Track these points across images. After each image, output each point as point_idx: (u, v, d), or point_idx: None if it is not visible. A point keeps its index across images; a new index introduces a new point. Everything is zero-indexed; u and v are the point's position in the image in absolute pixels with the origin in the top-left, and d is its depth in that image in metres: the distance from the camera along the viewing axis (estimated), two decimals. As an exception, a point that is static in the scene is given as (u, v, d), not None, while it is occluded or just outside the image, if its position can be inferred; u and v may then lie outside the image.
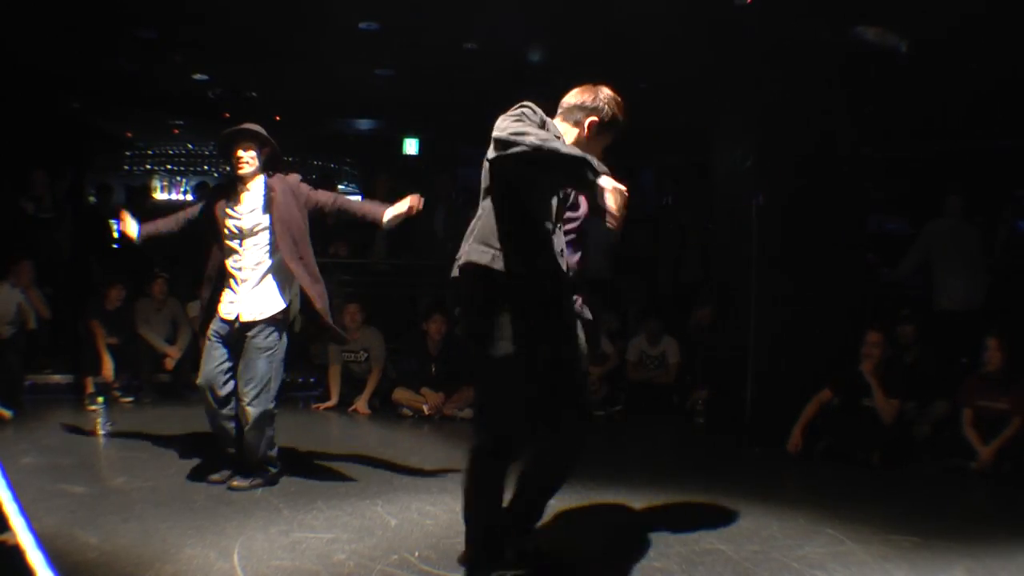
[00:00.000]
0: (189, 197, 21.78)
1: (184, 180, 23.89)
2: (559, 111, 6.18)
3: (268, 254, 8.22)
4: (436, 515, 7.59)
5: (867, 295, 13.15)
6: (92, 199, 19.02)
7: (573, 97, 6.17)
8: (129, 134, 23.05)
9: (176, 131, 22.04)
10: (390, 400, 12.47)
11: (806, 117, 11.84)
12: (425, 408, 12.15)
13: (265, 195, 8.29)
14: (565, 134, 5.98)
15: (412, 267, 15.92)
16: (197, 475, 8.54)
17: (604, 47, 12.64)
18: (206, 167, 23.88)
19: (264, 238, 8.21)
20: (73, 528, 6.82)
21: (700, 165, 15.70)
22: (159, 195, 24.61)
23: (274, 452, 8.39)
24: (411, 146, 19.64)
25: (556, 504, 7.78)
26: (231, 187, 8.46)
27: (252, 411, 8.02)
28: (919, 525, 7.59)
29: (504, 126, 5.60)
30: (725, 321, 13.41)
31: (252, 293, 8.19)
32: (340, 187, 21.90)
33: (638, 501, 8.13)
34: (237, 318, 8.17)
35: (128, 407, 12.23)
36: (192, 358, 12.86)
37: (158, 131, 22.30)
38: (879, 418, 10.47)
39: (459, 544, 6.59)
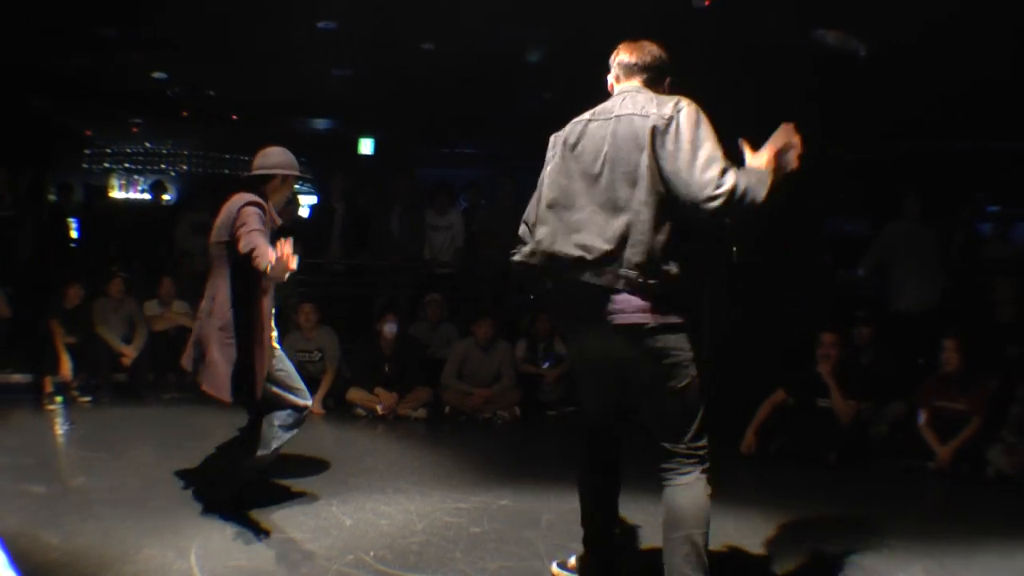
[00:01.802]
0: (146, 196, 21.70)
1: (141, 179, 23.86)
2: (634, 72, 5.66)
3: None
4: (391, 515, 7.64)
5: (823, 296, 13.30)
6: (53, 197, 19.03)
7: (647, 55, 5.70)
8: (88, 132, 23.03)
9: (135, 129, 22.02)
10: (344, 400, 12.39)
11: (768, 119, 11.99)
12: (379, 408, 12.09)
13: None
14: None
15: (367, 267, 15.85)
16: (154, 475, 8.55)
17: (566, 50, 12.75)
18: (163, 165, 23.90)
19: None
20: (35, 528, 6.86)
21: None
22: (117, 193, 24.59)
23: None
24: (366, 146, 19.67)
25: (508, 502, 8.05)
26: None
27: None
28: (877, 524, 7.73)
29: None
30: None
31: None
32: (296, 187, 21.82)
33: None
34: None
35: (86, 407, 12.14)
36: (148, 358, 12.97)
37: (117, 130, 22.25)
38: (835, 418, 10.57)
39: (414, 544, 6.85)
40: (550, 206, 5.54)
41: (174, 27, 12.75)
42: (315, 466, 9.06)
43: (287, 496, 8.08)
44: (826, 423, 10.58)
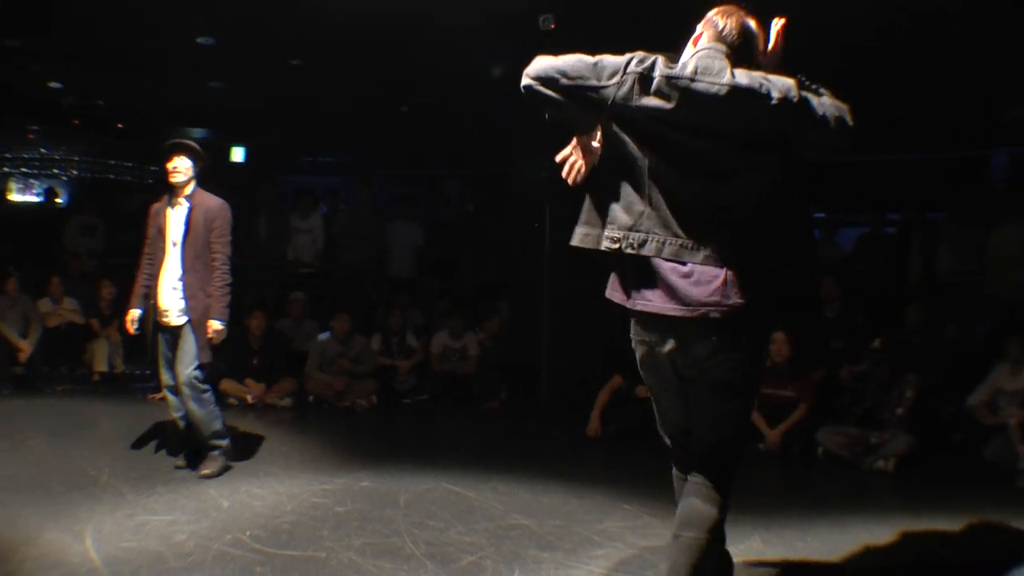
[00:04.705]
0: (41, 199, 21.53)
1: (37, 183, 23.59)
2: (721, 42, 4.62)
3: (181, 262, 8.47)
4: (263, 497, 7.70)
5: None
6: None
7: (734, 33, 4.64)
8: (-11, 139, 22.70)
9: (31, 136, 21.67)
10: (218, 390, 12.10)
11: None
12: (249, 397, 12.18)
13: (189, 208, 8.54)
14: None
15: (236, 267, 15.80)
16: (51, 463, 8.55)
17: (416, 65, 12.85)
18: (56, 171, 23.59)
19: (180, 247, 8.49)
20: (-57, 517, 6.84)
21: (500, 175, 15.95)
22: (15, 196, 24.27)
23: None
24: (238, 154, 19.59)
25: (368, 484, 8.15)
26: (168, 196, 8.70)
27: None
28: (714, 499, 7.84)
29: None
30: (520, 318, 13.72)
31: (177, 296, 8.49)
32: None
33: (445, 481, 8.29)
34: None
35: (-13, 398, 12.01)
36: (42, 352, 12.91)
37: (15, 136, 21.89)
38: None
39: (285, 523, 6.93)
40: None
41: (70, 40, 12.63)
42: (193, 452, 8.83)
43: (169, 480, 8.11)
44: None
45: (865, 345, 10.90)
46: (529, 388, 13.05)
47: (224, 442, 8.56)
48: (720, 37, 4.60)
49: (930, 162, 16.60)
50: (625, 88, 4.39)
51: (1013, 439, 9.77)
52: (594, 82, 4.44)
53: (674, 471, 5.39)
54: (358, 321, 13.39)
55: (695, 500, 4.89)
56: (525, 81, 4.56)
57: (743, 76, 4.31)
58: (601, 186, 4.73)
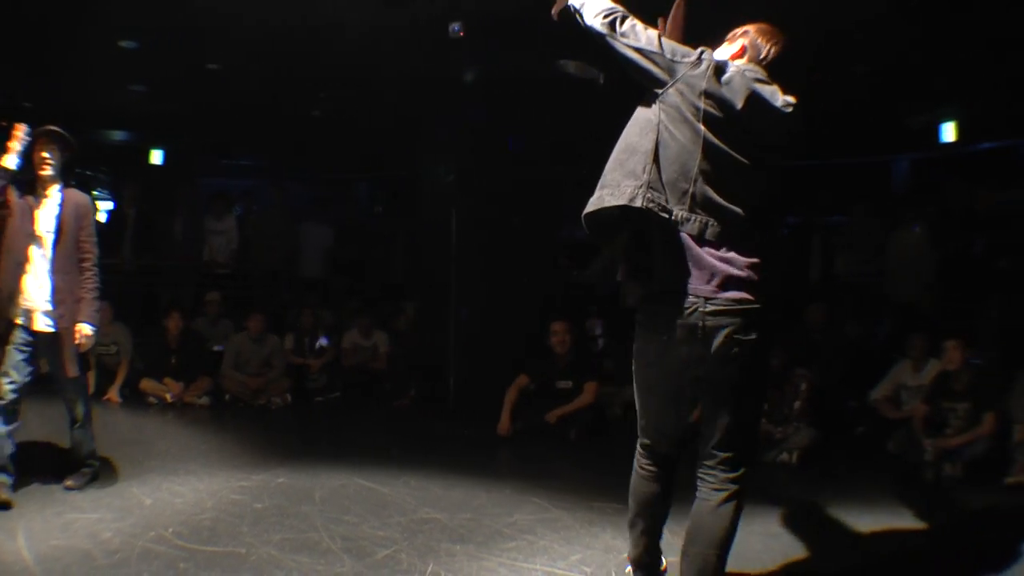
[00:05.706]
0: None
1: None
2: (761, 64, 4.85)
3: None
4: (184, 494, 7.77)
5: (557, 292, 13.78)
6: None
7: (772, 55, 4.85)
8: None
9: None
10: (138, 389, 12.41)
11: (504, 139, 12.36)
12: (168, 396, 12.21)
13: (60, 203, 7.61)
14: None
15: (154, 267, 15.81)
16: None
17: (329, 71, 12.97)
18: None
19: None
20: None
21: (408, 178, 16.09)
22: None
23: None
24: (157, 157, 19.53)
25: (284, 480, 8.27)
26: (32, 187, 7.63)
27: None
28: (620, 493, 7.53)
29: None
30: (428, 318, 13.89)
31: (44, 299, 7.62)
32: (95, 192, 21.32)
33: (358, 477, 8.41)
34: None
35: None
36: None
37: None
38: (572, 397, 10.92)
39: (206, 520, 7.02)
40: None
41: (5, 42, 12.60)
42: (116, 450, 8.98)
43: (92, 478, 8.10)
44: (564, 402, 10.92)
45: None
46: (437, 387, 13.21)
47: (95, 466, 8.14)
48: (761, 62, 4.84)
49: (832, 167, 16.92)
50: (699, 69, 4.55)
51: (918, 432, 10.06)
52: (667, 56, 4.61)
53: (640, 467, 5.74)
54: (270, 320, 13.46)
55: (704, 513, 5.13)
56: (602, 29, 4.74)
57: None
58: (636, 148, 4.74)
